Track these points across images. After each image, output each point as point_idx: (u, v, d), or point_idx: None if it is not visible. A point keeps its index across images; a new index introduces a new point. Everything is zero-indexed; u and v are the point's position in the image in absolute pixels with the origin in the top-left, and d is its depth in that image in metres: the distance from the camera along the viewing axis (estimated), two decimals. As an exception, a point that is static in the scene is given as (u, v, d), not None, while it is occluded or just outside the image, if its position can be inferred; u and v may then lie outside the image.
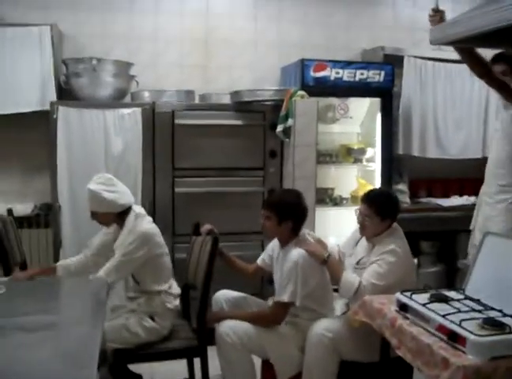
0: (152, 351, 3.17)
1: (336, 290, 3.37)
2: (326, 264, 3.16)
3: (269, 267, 3.50)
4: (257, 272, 3.63)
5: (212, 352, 3.22)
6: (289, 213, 3.23)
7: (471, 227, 3.72)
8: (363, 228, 3.31)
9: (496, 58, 3.50)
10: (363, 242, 3.38)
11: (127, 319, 3.17)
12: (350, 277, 3.10)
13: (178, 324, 3.38)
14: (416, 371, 2.93)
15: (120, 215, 3.23)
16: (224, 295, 3.47)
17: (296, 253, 3.15)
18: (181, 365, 3.41)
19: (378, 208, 3.23)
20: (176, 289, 3.36)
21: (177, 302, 3.32)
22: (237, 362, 3.10)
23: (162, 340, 3.21)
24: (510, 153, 3.48)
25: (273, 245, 3.48)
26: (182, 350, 3.24)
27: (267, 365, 3.27)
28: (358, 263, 3.29)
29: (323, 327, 3.07)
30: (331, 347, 3.01)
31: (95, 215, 3.29)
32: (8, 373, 1.80)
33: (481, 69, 3.42)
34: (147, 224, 3.24)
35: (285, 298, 3.11)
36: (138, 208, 3.33)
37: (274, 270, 3.43)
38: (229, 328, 3.10)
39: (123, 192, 3.28)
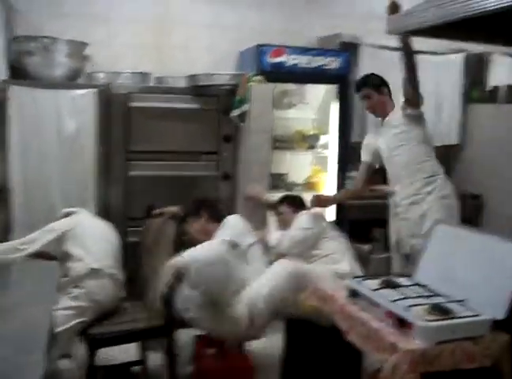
0: (120, 333, 3.18)
1: None
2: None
3: None
4: None
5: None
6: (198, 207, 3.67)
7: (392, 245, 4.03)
8: (286, 224, 3.81)
9: (361, 84, 3.96)
10: None
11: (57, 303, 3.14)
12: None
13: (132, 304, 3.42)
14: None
15: None
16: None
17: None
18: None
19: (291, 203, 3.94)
20: (105, 256, 3.38)
21: (103, 263, 3.32)
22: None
23: (117, 313, 3.29)
24: (423, 149, 3.77)
25: None
26: (141, 332, 3.28)
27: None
28: None
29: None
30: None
31: None
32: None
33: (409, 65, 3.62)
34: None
35: None
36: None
37: None
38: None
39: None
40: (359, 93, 3.95)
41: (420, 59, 5.06)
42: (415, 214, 3.67)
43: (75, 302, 3.15)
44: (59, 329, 3.00)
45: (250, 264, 3.39)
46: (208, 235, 3.42)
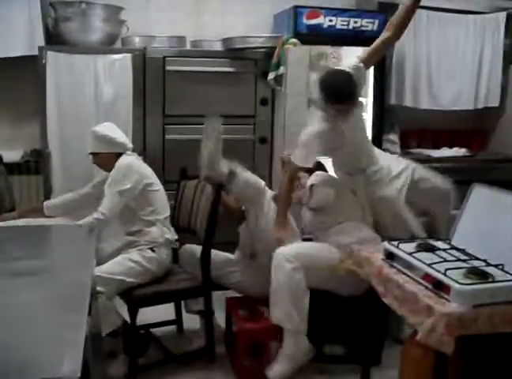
0: (152, 294, 3.25)
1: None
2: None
3: None
4: None
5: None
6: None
7: None
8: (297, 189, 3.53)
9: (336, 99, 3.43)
10: None
11: (129, 252, 3.29)
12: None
13: (172, 266, 3.50)
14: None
15: (117, 158, 3.35)
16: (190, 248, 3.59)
17: None
18: (167, 307, 3.57)
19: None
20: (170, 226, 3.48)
21: (175, 235, 3.46)
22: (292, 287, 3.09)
23: (160, 280, 3.33)
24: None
25: None
26: (180, 292, 3.39)
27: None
28: None
29: (290, 251, 3.12)
30: (299, 271, 3.04)
31: (96, 157, 3.45)
32: (-1, 316, 1.82)
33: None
34: (130, 158, 3.38)
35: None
36: (131, 153, 3.45)
37: None
38: (292, 251, 3.13)
39: (123, 135, 3.50)
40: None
41: (462, 19, 4.98)
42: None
43: (147, 263, 3.27)
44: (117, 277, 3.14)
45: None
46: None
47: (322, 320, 3.19)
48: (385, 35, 3.36)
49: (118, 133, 3.48)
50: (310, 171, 3.56)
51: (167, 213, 3.47)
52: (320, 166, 3.73)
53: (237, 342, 3.27)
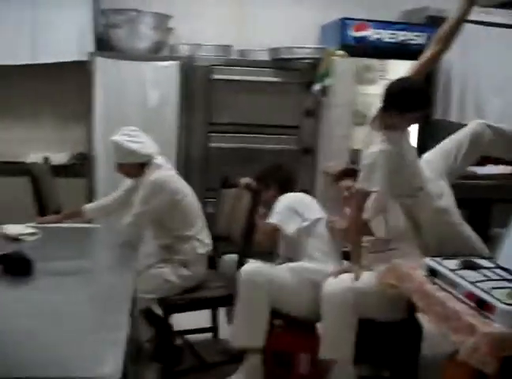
0: (186, 301, 3.23)
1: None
2: None
3: None
4: None
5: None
6: (270, 177, 3.50)
7: None
8: (350, 202, 3.35)
9: (344, 174, 3.57)
10: None
11: (161, 268, 3.24)
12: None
13: (209, 273, 3.43)
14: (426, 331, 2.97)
15: (143, 167, 3.25)
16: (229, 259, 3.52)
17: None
18: (203, 315, 3.54)
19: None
20: (207, 236, 3.41)
21: (209, 246, 3.38)
22: (254, 307, 3.03)
23: (195, 288, 3.28)
24: None
25: None
26: (214, 300, 3.34)
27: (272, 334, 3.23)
28: None
29: (338, 282, 2.98)
30: (351, 303, 2.93)
31: (120, 167, 3.32)
32: (41, 314, 1.85)
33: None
34: (159, 173, 3.23)
35: (270, 219, 3.25)
36: (160, 159, 3.32)
37: None
38: (253, 269, 3.07)
39: (146, 142, 3.29)
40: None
41: (496, 33, 4.88)
42: None
43: (180, 281, 3.22)
44: (147, 296, 3.09)
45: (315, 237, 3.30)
46: (270, 208, 3.37)
47: (361, 342, 3.13)
48: (433, 48, 3.30)
49: (141, 141, 3.25)
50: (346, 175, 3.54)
51: (200, 225, 3.36)
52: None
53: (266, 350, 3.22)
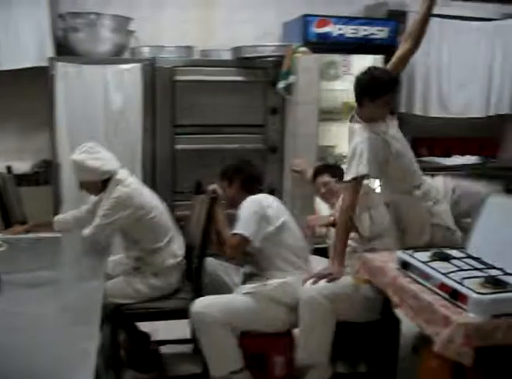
0: (150, 310, 3.15)
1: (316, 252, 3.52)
2: (335, 225, 3.17)
3: None
4: None
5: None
6: (234, 173, 3.29)
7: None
8: (328, 198, 3.54)
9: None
10: None
11: (130, 276, 3.20)
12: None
13: (182, 283, 3.34)
14: (404, 329, 2.97)
15: (105, 182, 3.20)
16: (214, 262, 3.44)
17: (252, 197, 3.15)
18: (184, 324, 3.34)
19: (332, 172, 3.57)
20: (179, 246, 3.35)
21: (179, 259, 3.31)
22: (218, 339, 2.96)
23: (162, 298, 3.21)
24: None
25: None
26: (180, 311, 3.16)
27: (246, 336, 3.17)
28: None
29: (316, 287, 2.96)
30: (328, 307, 2.91)
31: (83, 185, 3.28)
32: (12, 327, 1.81)
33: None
34: (123, 189, 3.17)
35: (238, 230, 3.02)
36: (122, 173, 3.26)
37: None
38: (203, 308, 2.96)
39: (107, 159, 3.25)
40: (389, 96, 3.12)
41: (472, 26, 4.96)
42: None
43: (148, 290, 3.18)
44: (113, 300, 3.03)
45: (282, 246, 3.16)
46: (233, 206, 3.26)
47: (337, 342, 3.11)
48: (404, 46, 3.30)
49: (101, 157, 3.21)
50: (337, 176, 3.50)
51: (170, 236, 3.29)
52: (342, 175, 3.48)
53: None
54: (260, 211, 3.06)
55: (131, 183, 3.25)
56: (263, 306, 3.01)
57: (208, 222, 3.18)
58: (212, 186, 3.32)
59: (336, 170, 3.60)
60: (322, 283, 2.98)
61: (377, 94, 3.01)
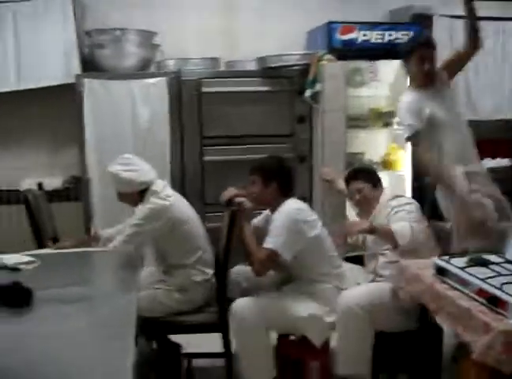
0: (179, 324, 3.14)
1: (348, 260, 3.49)
2: (376, 232, 3.10)
3: (263, 230, 3.27)
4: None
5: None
6: (273, 174, 3.17)
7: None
8: (363, 205, 3.40)
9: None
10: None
11: (156, 289, 3.18)
12: (398, 225, 3.06)
13: (212, 296, 3.28)
14: (446, 338, 2.91)
15: (143, 193, 3.21)
16: (241, 269, 3.36)
17: (287, 206, 3.06)
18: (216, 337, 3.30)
19: (367, 178, 3.40)
20: (209, 263, 3.32)
21: (209, 274, 3.28)
22: (252, 341, 2.97)
23: (191, 311, 3.19)
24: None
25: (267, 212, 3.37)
26: (204, 325, 3.17)
27: (283, 342, 3.22)
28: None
29: (354, 296, 2.96)
30: (365, 317, 2.89)
31: (120, 196, 3.30)
32: (47, 344, 1.80)
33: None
34: (158, 200, 3.17)
35: (268, 244, 2.95)
36: (158, 184, 3.26)
37: None
38: (244, 308, 2.98)
39: (143, 169, 3.25)
40: (426, 52, 3.53)
41: (498, 26, 4.88)
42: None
43: (174, 303, 3.16)
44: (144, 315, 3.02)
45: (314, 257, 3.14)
46: (263, 204, 3.25)
47: (378, 354, 3.06)
48: (464, 49, 3.57)
49: (137, 168, 3.22)
50: (372, 181, 3.41)
51: (199, 253, 3.25)
52: (378, 179, 3.48)
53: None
54: (293, 226, 2.99)
55: (167, 195, 3.24)
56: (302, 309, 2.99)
57: (229, 236, 3.11)
58: (239, 199, 3.25)
59: (370, 175, 3.47)
60: (360, 291, 2.98)
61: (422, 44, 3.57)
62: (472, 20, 3.39)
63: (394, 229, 3.02)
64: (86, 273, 2.87)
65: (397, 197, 3.32)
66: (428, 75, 3.54)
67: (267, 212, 3.31)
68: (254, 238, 3.09)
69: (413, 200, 3.33)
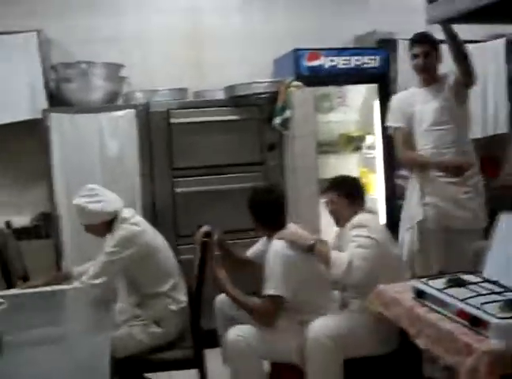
0: (154, 361, 3.08)
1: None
2: (313, 250, 3.02)
3: (260, 260, 3.29)
4: (248, 264, 3.45)
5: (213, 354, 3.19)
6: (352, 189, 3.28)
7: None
8: (336, 216, 3.28)
9: (418, 40, 3.64)
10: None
11: (131, 327, 3.12)
12: (339, 255, 2.98)
13: (187, 329, 3.23)
14: (425, 361, 2.88)
15: (111, 223, 3.17)
16: (224, 299, 3.29)
17: (278, 244, 3.04)
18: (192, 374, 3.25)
19: (343, 190, 3.24)
20: (183, 292, 3.27)
21: (183, 305, 3.23)
22: (247, 369, 2.94)
23: (166, 347, 3.13)
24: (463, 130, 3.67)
25: (263, 240, 3.38)
26: (179, 362, 3.12)
27: (277, 370, 3.18)
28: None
29: (320, 326, 2.91)
30: (332, 346, 2.84)
31: (88, 228, 3.26)
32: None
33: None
34: (128, 227, 3.15)
35: (268, 290, 2.94)
36: (126, 212, 3.25)
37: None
38: (238, 335, 2.93)
39: (109, 200, 3.23)
40: (417, 48, 3.63)
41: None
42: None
43: (149, 339, 3.10)
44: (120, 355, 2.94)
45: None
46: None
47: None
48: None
49: (102, 199, 3.19)
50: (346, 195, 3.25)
51: (173, 281, 3.23)
52: (358, 190, 3.35)
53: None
54: (286, 262, 2.98)
55: (137, 221, 3.22)
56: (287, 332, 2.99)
57: (202, 268, 3.08)
58: (203, 228, 3.22)
59: (345, 186, 3.32)
60: (328, 321, 2.94)
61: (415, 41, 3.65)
62: (456, 47, 3.37)
63: (333, 257, 2.97)
64: (58, 313, 2.81)
65: (361, 226, 3.07)
66: (422, 71, 3.63)
67: (263, 240, 3.34)
68: (237, 291, 3.08)
69: (375, 236, 3.01)
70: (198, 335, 3.10)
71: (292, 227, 3.20)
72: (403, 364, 2.85)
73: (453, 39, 3.32)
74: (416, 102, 3.70)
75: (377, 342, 2.91)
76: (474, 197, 3.60)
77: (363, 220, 3.11)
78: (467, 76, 3.50)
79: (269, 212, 3.20)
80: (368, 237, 2.99)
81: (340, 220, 3.25)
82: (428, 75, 3.66)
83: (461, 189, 3.55)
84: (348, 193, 3.24)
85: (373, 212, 3.30)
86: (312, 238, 3.09)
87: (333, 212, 3.29)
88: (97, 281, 3.01)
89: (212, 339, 3.28)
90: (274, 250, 3.03)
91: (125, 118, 4.25)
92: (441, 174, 3.55)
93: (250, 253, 3.46)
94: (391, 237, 3.25)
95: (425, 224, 3.59)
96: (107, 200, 3.21)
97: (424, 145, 3.64)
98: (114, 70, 4.46)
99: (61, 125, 4.17)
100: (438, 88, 3.64)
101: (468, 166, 3.50)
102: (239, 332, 2.94)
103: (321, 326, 2.91)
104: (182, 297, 3.23)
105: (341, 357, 2.87)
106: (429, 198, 3.60)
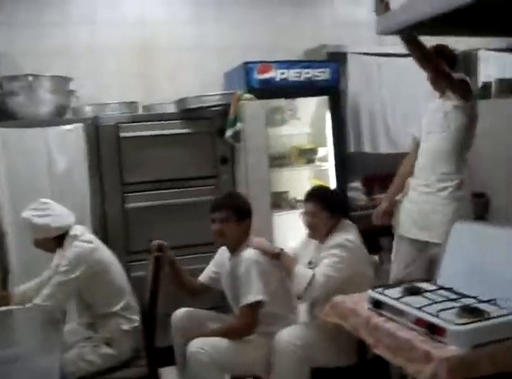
0: None
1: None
2: (279, 258, 3.05)
3: (216, 283, 3.33)
4: (201, 290, 3.41)
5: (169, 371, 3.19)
6: (247, 211, 3.19)
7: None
8: (313, 229, 3.23)
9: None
10: (312, 242, 3.31)
11: (82, 347, 3.03)
12: (303, 270, 2.99)
13: (141, 348, 3.17)
14: (393, 372, 2.88)
15: (61, 239, 3.10)
16: (184, 313, 3.26)
17: (249, 252, 3.05)
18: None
19: (325, 203, 3.17)
20: (135, 311, 3.19)
21: (136, 321, 3.15)
22: None
23: (118, 367, 3.05)
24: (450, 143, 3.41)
25: (220, 258, 3.35)
26: None
27: None
28: (309, 263, 3.18)
29: (289, 335, 2.92)
30: (300, 355, 2.85)
31: (37, 243, 3.19)
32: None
33: (425, 59, 3.33)
34: (80, 244, 3.08)
35: (250, 298, 2.94)
36: (78, 228, 3.19)
37: (224, 284, 3.27)
38: (201, 347, 2.88)
39: (58, 214, 3.17)
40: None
41: (412, 62, 5.03)
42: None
43: (100, 360, 3.02)
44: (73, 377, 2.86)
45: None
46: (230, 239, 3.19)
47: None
48: None
49: (51, 213, 3.13)
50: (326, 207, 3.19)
51: (125, 300, 3.17)
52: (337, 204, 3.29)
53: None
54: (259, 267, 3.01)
55: (89, 239, 3.16)
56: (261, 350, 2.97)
57: (155, 283, 3.03)
58: (155, 242, 3.19)
59: (323, 196, 3.27)
60: (295, 330, 2.94)
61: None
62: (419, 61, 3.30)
63: (296, 271, 2.98)
64: (4, 334, 2.68)
65: (342, 247, 3.03)
66: (431, 82, 3.58)
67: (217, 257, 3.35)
68: (213, 330, 3.11)
69: (351, 261, 3.01)
70: (153, 353, 3.04)
71: (256, 239, 3.19)
72: (371, 375, 2.83)
73: (413, 43, 3.21)
74: (426, 113, 3.72)
75: (345, 352, 2.90)
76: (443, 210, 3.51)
77: (348, 244, 3.05)
78: (442, 78, 3.41)
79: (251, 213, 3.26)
80: (342, 258, 2.98)
81: (317, 233, 3.23)
82: (437, 86, 3.62)
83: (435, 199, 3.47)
84: (330, 206, 3.18)
85: (352, 228, 3.22)
86: (278, 248, 3.11)
87: (310, 225, 3.22)
88: (51, 302, 2.93)
89: (168, 356, 3.21)
90: (247, 258, 3.02)
91: (73, 132, 4.15)
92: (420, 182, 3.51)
93: (203, 277, 3.41)
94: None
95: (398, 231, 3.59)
96: (56, 214, 3.14)
97: (419, 156, 3.65)
98: (62, 83, 4.34)
99: (6, 139, 4.04)
100: (446, 98, 3.52)
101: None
102: (202, 345, 2.90)
103: (290, 335, 2.91)
104: (135, 316, 3.16)
105: (308, 366, 2.87)
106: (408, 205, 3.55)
